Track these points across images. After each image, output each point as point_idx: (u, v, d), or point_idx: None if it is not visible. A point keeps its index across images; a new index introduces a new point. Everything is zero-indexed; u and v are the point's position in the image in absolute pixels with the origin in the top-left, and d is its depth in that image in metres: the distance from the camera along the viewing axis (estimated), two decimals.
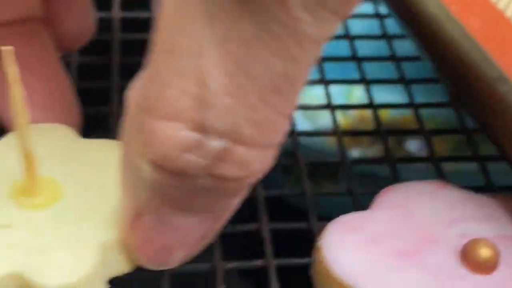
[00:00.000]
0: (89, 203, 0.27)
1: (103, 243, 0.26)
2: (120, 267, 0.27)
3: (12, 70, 0.24)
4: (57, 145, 0.29)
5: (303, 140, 0.37)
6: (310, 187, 0.32)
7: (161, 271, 0.28)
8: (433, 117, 0.56)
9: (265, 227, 0.31)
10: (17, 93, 0.24)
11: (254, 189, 0.32)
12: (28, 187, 0.27)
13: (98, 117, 0.35)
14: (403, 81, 0.39)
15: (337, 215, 0.29)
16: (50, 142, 0.29)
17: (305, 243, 0.31)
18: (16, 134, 0.26)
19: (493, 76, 0.28)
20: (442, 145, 0.58)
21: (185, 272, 0.29)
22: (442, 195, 0.29)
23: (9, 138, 0.30)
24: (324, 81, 0.38)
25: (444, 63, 0.32)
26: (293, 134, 0.35)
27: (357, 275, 0.25)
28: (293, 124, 0.35)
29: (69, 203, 0.27)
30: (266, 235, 0.30)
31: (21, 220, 0.26)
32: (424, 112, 0.38)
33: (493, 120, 0.29)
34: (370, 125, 0.61)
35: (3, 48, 0.23)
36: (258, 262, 0.30)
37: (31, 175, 0.26)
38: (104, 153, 0.29)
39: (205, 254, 0.30)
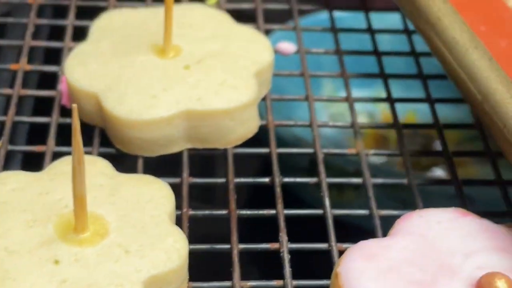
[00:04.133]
0: (131, 239, 0.28)
1: (146, 279, 0.27)
2: None
3: (76, 123, 0.25)
4: (98, 180, 0.30)
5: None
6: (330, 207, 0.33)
7: None
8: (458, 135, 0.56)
9: (285, 247, 0.31)
10: (78, 143, 0.26)
11: (275, 207, 0.33)
12: (77, 223, 0.28)
13: None
14: (429, 101, 0.39)
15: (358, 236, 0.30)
16: (90, 177, 0.30)
17: (325, 264, 0.32)
18: (72, 177, 0.27)
19: None
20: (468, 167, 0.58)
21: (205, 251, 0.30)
22: (463, 225, 0.29)
23: (52, 168, 0.31)
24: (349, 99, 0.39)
25: (463, 87, 0.32)
26: (316, 152, 0.35)
27: None
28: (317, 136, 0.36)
29: (114, 239, 0.28)
30: (286, 256, 0.31)
31: (70, 256, 0.27)
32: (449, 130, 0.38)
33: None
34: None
35: (73, 105, 0.25)
36: (275, 283, 0.30)
37: (80, 213, 0.27)
38: (139, 188, 0.30)
39: (225, 272, 0.30)
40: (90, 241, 0.28)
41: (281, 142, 0.38)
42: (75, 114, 0.25)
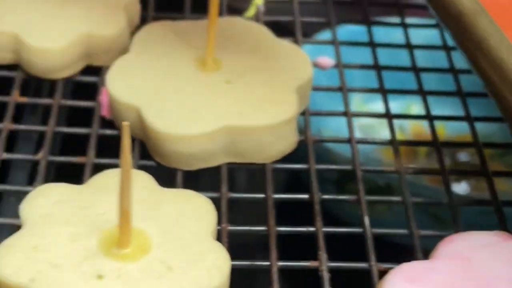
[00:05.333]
0: (173, 256, 0.28)
1: None
2: None
3: (126, 141, 0.26)
4: (141, 195, 0.30)
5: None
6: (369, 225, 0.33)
7: None
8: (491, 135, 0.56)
9: (324, 266, 0.31)
10: (127, 161, 0.26)
11: (314, 224, 0.33)
12: (120, 238, 0.28)
13: None
14: (468, 119, 0.39)
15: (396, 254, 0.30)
16: (133, 191, 0.30)
17: (364, 283, 0.31)
18: (119, 193, 0.27)
19: None
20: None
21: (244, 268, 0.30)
22: (507, 249, 0.29)
23: (94, 182, 0.31)
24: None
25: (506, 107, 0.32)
26: (355, 170, 0.35)
27: None
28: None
29: (157, 255, 0.28)
30: (325, 274, 0.31)
31: (113, 272, 0.27)
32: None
33: None
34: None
35: (124, 123, 0.26)
36: None
37: (125, 229, 0.27)
38: (181, 204, 0.30)
39: None
40: (133, 257, 0.28)
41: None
42: (126, 131, 0.25)
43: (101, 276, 0.27)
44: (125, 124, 0.25)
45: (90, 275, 0.27)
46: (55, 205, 0.30)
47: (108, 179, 0.31)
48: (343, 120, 0.38)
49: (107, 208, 0.29)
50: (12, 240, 0.28)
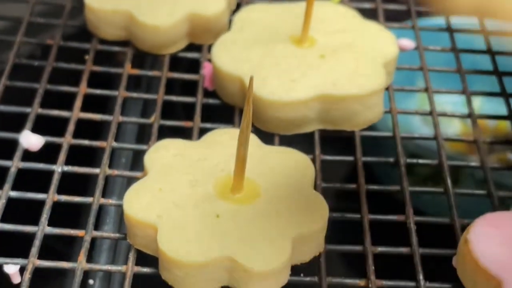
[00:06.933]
0: (279, 201, 0.32)
1: (294, 236, 0.30)
2: (302, 257, 0.31)
3: (250, 92, 0.29)
4: (248, 150, 0.33)
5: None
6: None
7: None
8: None
9: (411, 219, 0.34)
10: (248, 112, 0.29)
11: (401, 184, 0.36)
12: (235, 184, 0.31)
13: None
14: None
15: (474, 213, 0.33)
16: None
17: (447, 236, 0.35)
18: (238, 140, 0.30)
19: None
20: None
21: (338, 251, 0.33)
22: None
23: (206, 138, 0.35)
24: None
25: None
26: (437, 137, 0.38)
27: (502, 267, 0.29)
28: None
29: (265, 201, 0.32)
30: (412, 226, 0.34)
31: (229, 212, 0.31)
32: None
33: None
34: (488, 136, 0.63)
35: (251, 76, 0.29)
36: (404, 249, 0.33)
37: (239, 175, 0.31)
38: (284, 158, 0.34)
39: (357, 238, 0.34)
40: (245, 200, 0.31)
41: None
42: (251, 85, 0.28)
43: (218, 216, 0.31)
44: (251, 77, 0.28)
45: (209, 214, 0.31)
46: (174, 157, 0.33)
47: (218, 136, 0.35)
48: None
49: (220, 160, 0.33)
50: (139, 185, 0.32)
